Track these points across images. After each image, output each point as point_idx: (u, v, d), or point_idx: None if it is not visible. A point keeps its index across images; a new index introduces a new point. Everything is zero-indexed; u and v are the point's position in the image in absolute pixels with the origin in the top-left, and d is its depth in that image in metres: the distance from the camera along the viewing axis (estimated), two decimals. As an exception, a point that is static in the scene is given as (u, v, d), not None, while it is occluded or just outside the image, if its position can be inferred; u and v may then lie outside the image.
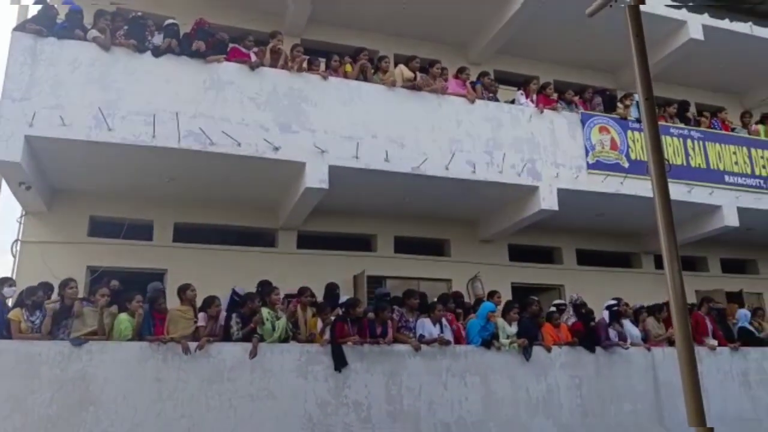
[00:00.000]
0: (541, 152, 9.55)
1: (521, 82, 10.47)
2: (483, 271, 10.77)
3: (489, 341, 8.13)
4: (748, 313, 10.16)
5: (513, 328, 8.44)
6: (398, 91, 9.04)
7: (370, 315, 7.91)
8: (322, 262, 9.86)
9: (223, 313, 7.33)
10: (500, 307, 8.73)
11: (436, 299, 8.54)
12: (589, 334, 8.71)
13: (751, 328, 9.95)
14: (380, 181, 8.86)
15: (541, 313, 8.97)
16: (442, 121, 9.11)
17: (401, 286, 9.56)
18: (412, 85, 9.12)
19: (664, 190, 4.18)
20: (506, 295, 10.15)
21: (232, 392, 6.93)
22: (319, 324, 7.68)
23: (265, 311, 7.43)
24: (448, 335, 8.13)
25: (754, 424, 9.19)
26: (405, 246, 10.60)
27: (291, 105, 8.38)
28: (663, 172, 4.25)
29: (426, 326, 8.07)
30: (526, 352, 8.26)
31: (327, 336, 7.53)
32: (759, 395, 9.36)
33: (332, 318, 7.69)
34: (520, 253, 11.28)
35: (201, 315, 7.21)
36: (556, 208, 9.40)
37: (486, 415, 7.84)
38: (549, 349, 8.44)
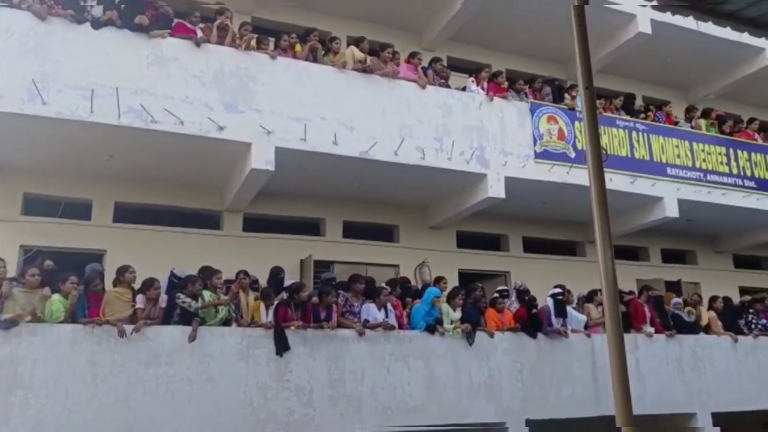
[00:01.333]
0: (490, 140, 9.61)
1: (473, 70, 10.48)
2: (431, 257, 10.81)
3: (433, 326, 8.18)
4: (678, 300, 10.48)
5: (457, 314, 8.51)
6: (349, 74, 8.93)
7: (314, 299, 7.86)
8: (268, 246, 9.71)
9: (163, 296, 7.16)
10: (446, 293, 8.79)
11: (383, 284, 8.55)
12: (531, 321, 8.85)
13: (681, 313, 10.28)
14: (328, 164, 8.76)
15: (485, 299, 9.08)
16: (392, 106, 9.05)
17: (349, 271, 9.52)
18: (363, 68, 9.02)
19: (599, 179, 4.24)
20: (453, 282, 10.22)
21: (170, 376, 6.79)
22: (262, 308, 7.59)
23: (206, 294, 7.30)
24: (393, 320, 8.15)
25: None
26: (353, 231, 10.54)
27: (237, 84, 8.18)
28: (600, 161, 4.30)
29: (371, 311, 8.07)
30: (470, 338, 8.34)
31: (270, 320, 7.46)
32: (691, 380, 9.70)
33: (275, 302, 7.60)
34: (467, 240, 11.36)
35: (139, 297, 7.03)
36: (503, 196, 9.48)
37: (428, 398, 7.90)
38: (492, 335, 8.55)
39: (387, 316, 8.12)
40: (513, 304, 9.32)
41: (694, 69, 13.74)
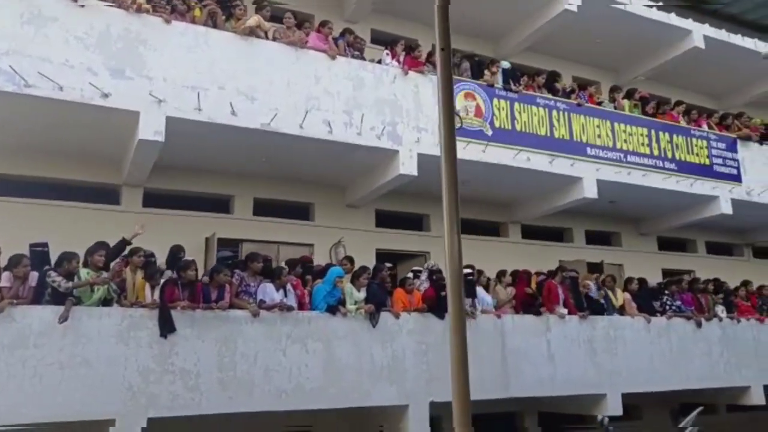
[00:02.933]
0: (404, 115, 9.29)
1: (389, 42, 10.10)
2: (348, 236, 10.50)
3: (335, 307, 7.89)
4: (593, 283, 10.44)
5: (361, 294, 8.23)
6: (251, 41, 8.44)
7: (204, 278, 7.46)
8: (172, 223, 9.22)
9: (33, 274, 6.66)
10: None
11: (283, 264, 8.20)
12: (440, 301, 8.62)
13: (595, 296, 10.23)
14: (228, 136, 8.32)
15: (394, 279, 8.83)
16: (298, 77, 8.63)
17: (260, 250, 9.11)
18: (267, 36, 8.56)
19: (451, 147, 3.97)
20: (371, 262, 9.95)
21: (38, 359, 6.35)
22: (147, 288, 7.15)
23: (84, 272, 6.82)
24: (292, 301, 7.82)
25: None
26: (266, 209, 10.13)
27: (126, 48, 7.64)
28: (452, 126, 4.03)
29: (267, 291, 7.72)
30: (373, 318, 8.09)
31: (155, 299, 7.04)
32: (603, 361, 9.67)
33: (161, 281, 7.18)
34: (387, 219, 11.08)
35: (5, 275, 6.51)
36: (415, 173, 9.19)
37: (326, 381, 7.63)
38: (397, 316, 8.31)
39: (285, 297, 7.78)
40: (423, 284, 9.08)
41: (624, 50, 13.69)
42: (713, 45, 13.07)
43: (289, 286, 7.90)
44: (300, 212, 10.53)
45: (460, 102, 9.69)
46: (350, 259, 9.25)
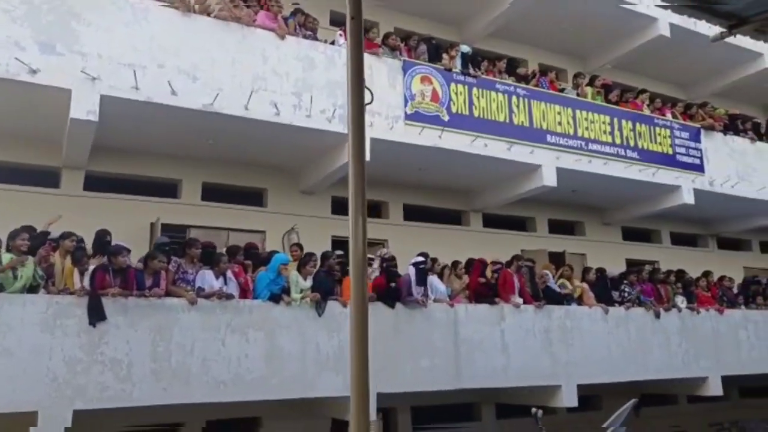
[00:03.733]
0: (356, 98, 8.99)
1: (341, 22, 9.78)
2: (303, 223, 10.21)
3: (278, 296, 7.61)
4: (551, 273, 10.28)
5: (307, 282, 7.96)
6: (194, 18, 8.09)
7: (138, 265, 7.14)
8: (115, 208, 8.89)
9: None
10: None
11: (223, 250, 7.91)
12: (390, 290, 8.40)
13: (553, 286, 10.07)
14: (168, 117, 7.97)
15: (343, 267, 8.57)
16: (244, 56, 8.31)
17: (209, 236, 8.81)
18: (210, 12, 8.21)
19: (359, 124, 3.69)
20: (326, 249, 9.67)
21: (-47, 350, 6.00)
22: (76, 274, 6.82)
23: (6, 257, 6.48)
24: (233, 289, 7.53)
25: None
26: (215, 194, 9.80)
27: (57, 22, 7.26)
28: (362, 101, 3.75)
29: (206, 278, 7.42)
30: (319, 307, 7.82)
31: (84, 286, 6.72)
32: (558, 352, 9.52)
33: (91, 267, 6.85)
34: (343, 207, 10.76)
35: None
36: (367, 158, 8.88)
37: (268, 371, 7.36)
38: (345, 305, 8.05)
39: (225, 285, 7.49)
40: (374, 273, 8.84)
41: (590, 37, 13.50)
42: (679, 33, 12.90)
43: (229, 274, 7.60)
44: (252, 198, 10.22)
45: (416, 86, 9.44)
46: (300, 246, 8.98)
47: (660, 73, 14.86)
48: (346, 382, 7.69)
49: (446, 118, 9.60)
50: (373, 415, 7.95)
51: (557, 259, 11.96)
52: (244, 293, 7.63)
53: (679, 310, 10.93)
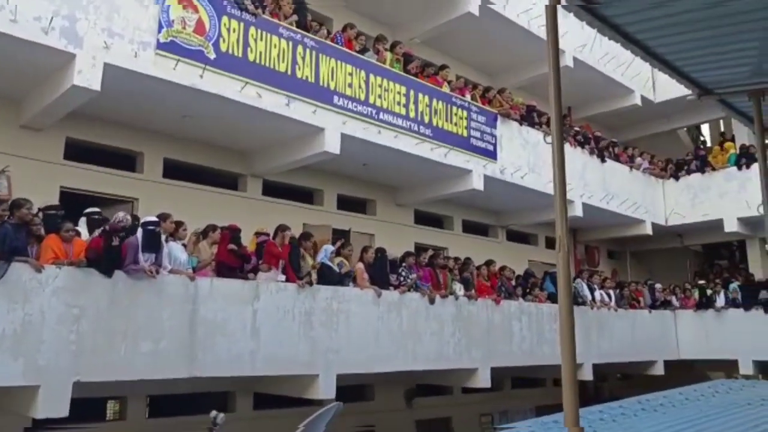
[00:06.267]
0: (90, 11, 7.13)
1: None
2: (23, 166, 8.06)
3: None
4: (331, 248, 9.23)
5: (-15, 236, 6.03)
6: None
7: None
8: None
9: None
10: None
11: None
12: (109, 254, 6.71)
13: (330, 263, 9.03)
14: None
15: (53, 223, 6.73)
16: None
17: None
18: None
19: None
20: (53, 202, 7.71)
21: None
22: None
23: None
24: None
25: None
26: None
27: None
28: None
29: None
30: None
31: None
32: (320, 337, 8.46)
33: None
34: (82, 151, 8.80)
35: None
36: (96, 88, 7.08)
37: None
38: (39, 269, 6.24)
39: None
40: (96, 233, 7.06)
41: (401, 7, 12.65)
42: (488, 15, 12.50)
43: None
44: None
45: (175, 10, 7.76)
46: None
47: (470, 57, 14.51)
48: (28, 368, 5.81)
49: (212, 55, 8.04)
50: (65, 410, 6.28)
51: (343, 238, 10.95)
52: None
53: (457, 297, 10.46)
